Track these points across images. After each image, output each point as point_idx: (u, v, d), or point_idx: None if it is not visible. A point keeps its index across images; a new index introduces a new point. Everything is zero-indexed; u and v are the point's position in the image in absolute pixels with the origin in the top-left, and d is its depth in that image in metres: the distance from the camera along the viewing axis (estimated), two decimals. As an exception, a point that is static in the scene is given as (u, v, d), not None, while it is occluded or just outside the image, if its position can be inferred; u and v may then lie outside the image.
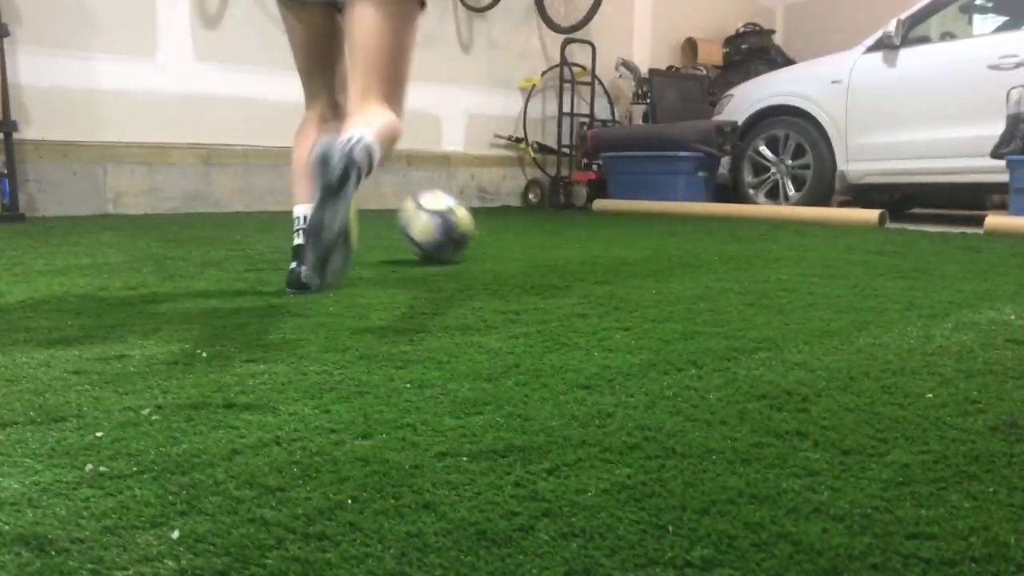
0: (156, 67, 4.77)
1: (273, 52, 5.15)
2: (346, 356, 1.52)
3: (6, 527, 0.84)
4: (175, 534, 0.82)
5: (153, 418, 1.15)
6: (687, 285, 2.39)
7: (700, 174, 5.32)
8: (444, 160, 6.34)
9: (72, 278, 2.36)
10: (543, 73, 6.85)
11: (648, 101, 6.99)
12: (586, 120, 7.00)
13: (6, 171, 3.97)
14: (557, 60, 6.73)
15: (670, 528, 0.85)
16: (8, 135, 3.98)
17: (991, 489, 0.94)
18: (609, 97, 7.27)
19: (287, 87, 5.29)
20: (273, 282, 2.35)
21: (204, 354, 1.51)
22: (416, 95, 6.06)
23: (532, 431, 1.13)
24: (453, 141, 6.42)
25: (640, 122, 7.11)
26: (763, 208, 4.98)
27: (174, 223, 4.22)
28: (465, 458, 1.04)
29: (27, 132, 4.31)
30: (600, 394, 1.28)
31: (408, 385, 1.35)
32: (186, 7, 4.82)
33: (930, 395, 1.28)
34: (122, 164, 4.65)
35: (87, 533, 0.82)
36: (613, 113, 7.33)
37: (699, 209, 5.07)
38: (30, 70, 4.32)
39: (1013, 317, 1.91)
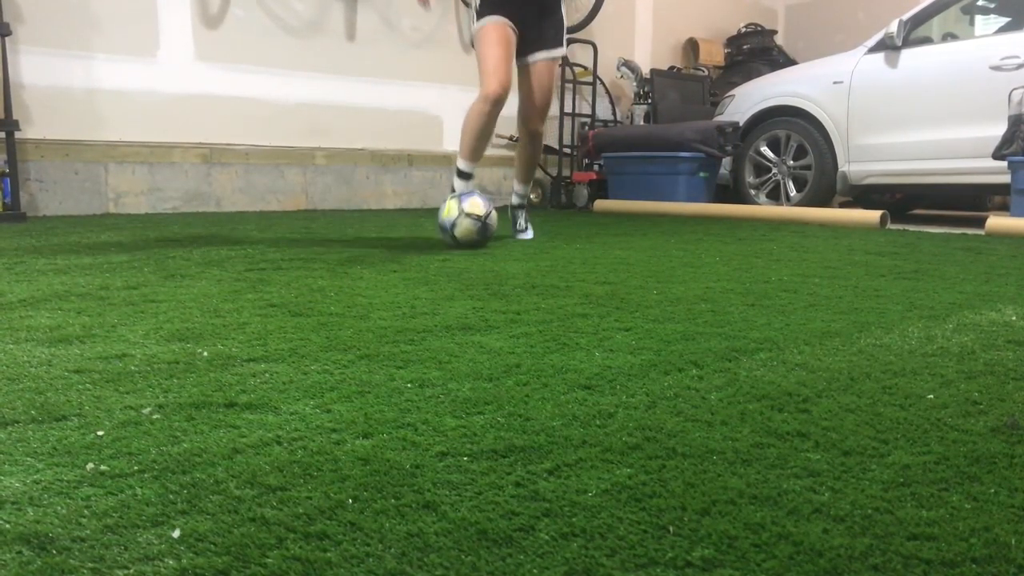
0: (157, 67, 4.76)
1: (273, 52, 5.16)
2: (347, 356, 1.52)
3: (7, 526, 0.84)
4: (176, 533, 0.83)
5: (154, 417, 1.15)
6: (688, 286, 2.39)
7: (701, 175, 5.32)
8: (445, 160, 6.34)
9: (73, 277, 2.36)
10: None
11: (649, 101, 6.99)
12: (587, 120, 7.00)
13: (7, 170, 3.97)
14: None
15: (671, 528, 0.85)
16: (10, 134, 3.98)
17: (992, 490, 0.94)
18: (610, 97, 7.26)
19: (288, 87, 5.30)
20: (274, 281, 2.35)
21: (205, 353, 1.52)
22: (417, 95, 6.09)
23: (533, 431, 1.14)
24: (454, 141, 6.41)
25: (641, 122, 7.11)
26: (764, 209, 4.97)
27: (175, 222, 4.23)
28: (466, 458, 1.05)
29: (29, 131, 4.31)
30: (601, 394, 1.29)
31: (409, 385, 1.35)
32: (187, 7, 4.82)
33: (931, 396, 1.28)
34: (123, 164, 4.65)
35: (88, 532, 0.82)
36: (615, 113, 7.33)
37: (700, 210, 5.07)
38: (32, 69, 4.32)
39: (1014, 318, 1.91)
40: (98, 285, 2.25)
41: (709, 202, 5.47)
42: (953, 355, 1.54)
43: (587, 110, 6.99)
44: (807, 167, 5.22)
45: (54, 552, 0.80)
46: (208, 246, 3.23)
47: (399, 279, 2.48)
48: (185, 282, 2.35)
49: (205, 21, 4.90)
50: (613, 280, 2.48)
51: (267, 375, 1.37)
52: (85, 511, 0.88)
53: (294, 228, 4.07)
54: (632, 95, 7.32)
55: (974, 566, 0.79)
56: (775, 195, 5.45)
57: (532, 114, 3.50)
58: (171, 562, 0.78)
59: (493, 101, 3.24)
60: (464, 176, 3.44)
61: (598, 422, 1.15)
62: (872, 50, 4.97)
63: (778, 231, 4.17)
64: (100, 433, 1.10)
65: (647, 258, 3.06)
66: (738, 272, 2.69)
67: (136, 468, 0.97)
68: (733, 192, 5.76)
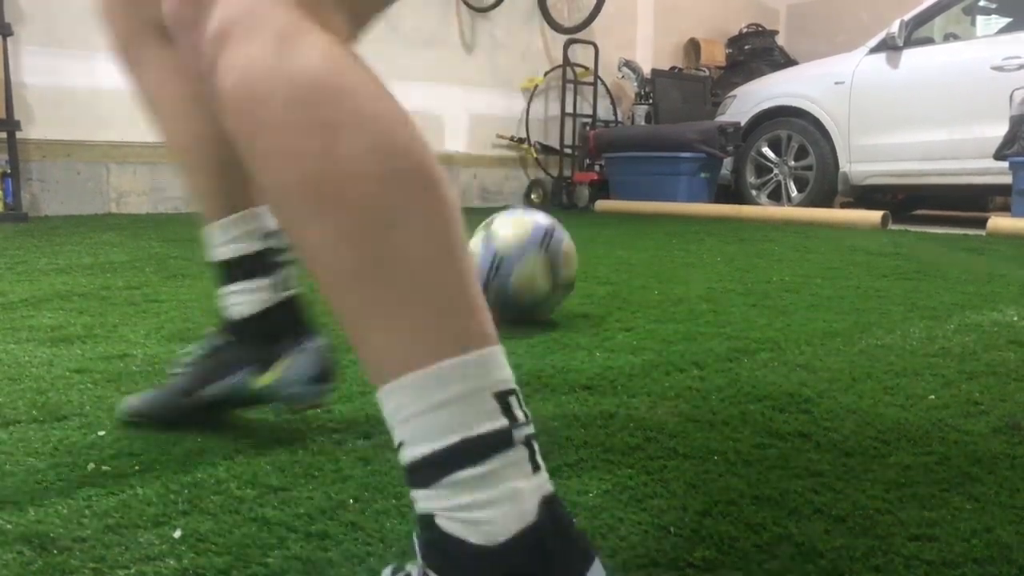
0: None
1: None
2: (348, 355, 1.52)
3: (8, 526, 0.84)
4: (177, 533, 0.83)
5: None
6: (690, 286, 2.39)
7: (702, 175, 5.32)
8: (447, 160, 6.33)
9: (75, 277, 2.36)
10: (546, 73, 6.86)
11: (651, 102, 6.99)
12: (588, 120, 7.00)
13: (9, 170, 3.97)
14: (560, 60, 6.73)
15: (672, 529, 0.85)
16: (11, 134, 3.98)
17: (993, 491, 0.94)
18: (612, 98, 7.27)
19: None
20: None
21: None
22: (418, 95, 6.09)
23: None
24: (455, 141, 6.42)
25: (643, 123, 7.12)
26: (766, 209, 4.97)
27: (176, 222, 4.23)
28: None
29: (30, 131, 4.31)
30: (602, 395, 1.28)
31: None
32: None
33: (932, 397, 1.28)
34: (125, 164, 4.66)
35: (89, 532, 0.82)
36: (616, 113, 7.33)
37: (702, 210, 5.07)
38: (33, 69, 4.32)
39: (1016, 319, 1.91)
40: (99, 285, 2.25)
41: (710, 202, 5.47)
42: (955, 356, 1.54)
43: (588, 110, 6.99)
44: (808, 167, 5.22)
45: (55, 552, 0.79)
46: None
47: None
48: (186, 282, 2.35)
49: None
50: (615, 280, 2.48)
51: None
52: (86, 511, 0.88)
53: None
54: (633, 95, 7.32)
55: (975, 567, 0.78)
56: (776, 195, 5.45)
57: None
58: (172, 562, 0.78)
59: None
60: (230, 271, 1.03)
61: (599, 422, 1.15)
62: (874, 51, 4.97)
63: (780, 231, 4.18)
64: (101, 433, 1.10)
65: (649, 258, 3.06)
66: (740, 272, 2.69)
67: (137, 468, 0.97)
68: (734, 192, 5.76)
